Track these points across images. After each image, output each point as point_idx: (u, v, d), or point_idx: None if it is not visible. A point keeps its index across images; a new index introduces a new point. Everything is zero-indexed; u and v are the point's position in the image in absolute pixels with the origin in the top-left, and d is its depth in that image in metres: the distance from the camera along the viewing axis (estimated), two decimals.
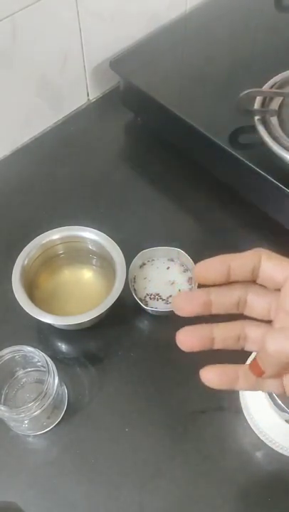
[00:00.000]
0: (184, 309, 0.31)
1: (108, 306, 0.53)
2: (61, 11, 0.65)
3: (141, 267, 0.61)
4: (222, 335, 0.31)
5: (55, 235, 0.58)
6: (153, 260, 0.62)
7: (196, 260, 0.59)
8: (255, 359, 0.29)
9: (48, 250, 0.59)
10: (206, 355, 0.56)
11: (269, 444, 0.51)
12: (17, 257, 0.56)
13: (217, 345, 0.31)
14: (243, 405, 0.53)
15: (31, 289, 0.56)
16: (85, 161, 0.74)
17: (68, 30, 0.68)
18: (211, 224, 0.68)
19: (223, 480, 0.50)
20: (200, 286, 0.31)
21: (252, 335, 0.31)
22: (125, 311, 0.59)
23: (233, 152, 0.60)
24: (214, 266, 0.30)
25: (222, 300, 0.31)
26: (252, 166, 0.59)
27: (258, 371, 0.29)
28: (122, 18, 0.74)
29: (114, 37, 0.75)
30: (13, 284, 0.54)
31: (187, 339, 0.30)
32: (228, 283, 0.31)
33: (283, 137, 0.58)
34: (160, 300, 0.59)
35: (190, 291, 0.57)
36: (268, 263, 0.30)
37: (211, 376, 0.31)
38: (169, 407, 0.54)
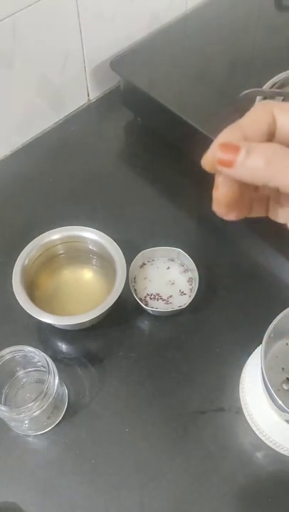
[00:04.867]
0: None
1: (108, 306, 0.53)
2: (61, 11, 0.65)
3: (141, 267, 0.61)
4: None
5: (55, 235, 0.58)
6: (153, 260, 0.62)
7: (196, 260, 0.59)
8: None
9: (49, 250, 0.59)
10: (206, 359, 0.56)
11: (269, 444, 0.51)
12: (17, 257, 0.56)
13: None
14: (243, 405, 0.53)
15: (32, 289, 0.56)
16: (85, 161, 0.74)
17: (68, 30, 0.68)
18: (211, 224, 0.68)
19: (223, 480, 0.50)
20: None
21: None
22: (125, 311, 0.59)
23: None
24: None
25: None
26: None
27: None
28: (122, 18, 0.74)
29: (115, 37, 0.75)
30: (13, 284, 0.54)
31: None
32: None
33: None
34: (160, 300, 0.59)
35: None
36: (284, 117, 0.26)
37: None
38: (169, 407, 0.54)
